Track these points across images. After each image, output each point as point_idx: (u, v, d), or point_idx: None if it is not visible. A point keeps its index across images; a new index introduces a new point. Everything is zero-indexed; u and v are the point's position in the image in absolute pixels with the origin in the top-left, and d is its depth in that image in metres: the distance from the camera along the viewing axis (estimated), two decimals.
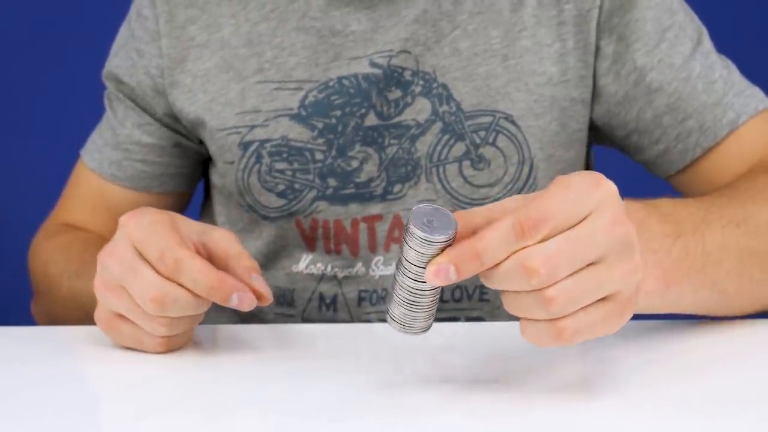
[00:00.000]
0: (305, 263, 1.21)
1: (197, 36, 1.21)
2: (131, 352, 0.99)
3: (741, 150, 1.17)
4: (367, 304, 1.20)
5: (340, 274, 1.20)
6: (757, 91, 1.19)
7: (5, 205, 2.11)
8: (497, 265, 0.81)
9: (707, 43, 1.19)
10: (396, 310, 0.84)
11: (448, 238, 0.81)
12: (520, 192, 1.17)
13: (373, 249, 1.19)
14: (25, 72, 2.11)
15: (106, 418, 0.91)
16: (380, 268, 1.19)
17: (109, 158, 1.27)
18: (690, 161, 1.18)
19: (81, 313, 1.09)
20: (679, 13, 1.18)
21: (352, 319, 1.20)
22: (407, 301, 0.83)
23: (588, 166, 1.26)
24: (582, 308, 0.81)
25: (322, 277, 1.20)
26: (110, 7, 1.50)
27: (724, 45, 1.23)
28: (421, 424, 0.86)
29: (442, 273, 0.81)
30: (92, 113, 1.33)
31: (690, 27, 1.18)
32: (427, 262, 0.81)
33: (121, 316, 0.97)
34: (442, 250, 0.81)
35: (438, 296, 0.84)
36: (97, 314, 0.99)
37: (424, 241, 0.81)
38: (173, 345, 0.98)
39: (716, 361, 0.96)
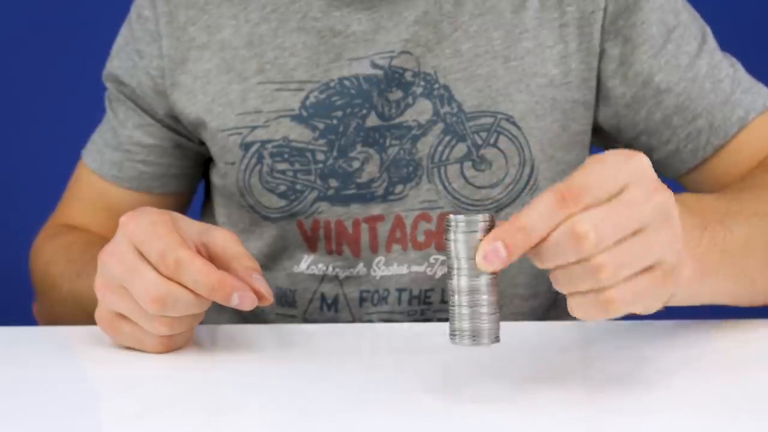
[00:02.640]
0: (306, 264, 1.21)
1: (198, 37, 1.21)
2: (132, 352, 0.99)
3: (751, 146, 1.18)
4: (368, 305, 1.20)
5: (342, 275, 1.20)
6: (762, 88, 1.20)
7: (5, 205, 2.11)
8: (546, 239, 0.81)
9: (711, 42, 1.20)
10: (460, 323, 0.84)
11: (487, 217, 0.82)
12: (520, 193, 1.18)
13: (374, 249, 1.18)
14: (25, 72, 2.11)
15: (107, 417, 0.91)
16: (381, 268, 1.19)
17: (109, 159, 1.27)
18: (701, 159, 1.19)
19: (82, 313, 1.09)
20: (683, 13, 1.19)
21: (353, 320, 1.20)
22: (469, 306, 0.83)
23: None
24: (628, 277, 0.82)
25: (323, 278, 1.20)
26: (110, 7, 1.50)
27: (725, 45, 1.23)
28: (422, 423, 0.86)
29: (491, 254, 0.81)
30: (93, 114, 1.33)
31: (694, 26, 1.19)
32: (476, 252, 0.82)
33: (121, 316, 0.97)
34: (488, 232, 0.82)
35: (497, 297, 0.84)
36: (98, 314, 0.98)
37: (467, 224, 0.82)
38: (174, 345, 0.98)
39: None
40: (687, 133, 1.18)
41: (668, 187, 0.85)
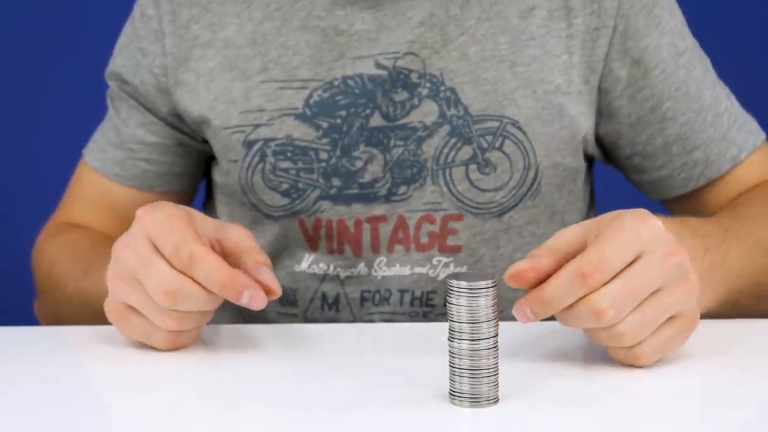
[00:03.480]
0: (307, 263, 1.20)
1: (201, 35, 1.21)
2: (135, 352, 0.99)
3: (739, 183, 1.22)
4: (369, 305, 1.19)
5: (343, 274, 1.19)
6: (753, 124, 1.24)
7: (5, 205, 2.10)
8: (569, 309, 0.89)
9: (712, 71, 1.23)
10: (460, 386, 0.87)
11: (489, 283, 0.85)
12: (524, 198, 1.18)
13: (376, 250, 1.18)
14: (26, 72, 2.11)
15: (107, 417, 0.91)
16: (383, 268, 1.18)
17: (112, 158, 1.26)
18: (691, 189, 1.22)
19: (88, 312, 1.09)
20: (688, 37, 1.22)
21: (354, 319, 1.20)
22: (469, 369, 0.86)
23: (590, 172, 1.26)
24: (651, 333, 0.89)
25: (324, 277, 1.20)
26: (112, 6, 1.50)
27: (724, 46, 1.23)
28: (423, 422, 0.85)
29: (520, 310, 0.89)
30: (94, 113, 1.33)
31: (697, 51, 1.22)
32: (478, 317, 0.85)
33: (131, 308, 0.97)
34: (490, 298, 0.85)
35: (496, 360, 0.86)
36: (107, 305, 0.98)
37: (470, 290, 0.85)
38: (180, 342, 0.98)
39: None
40: (683, 163, 1.21)
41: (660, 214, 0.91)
